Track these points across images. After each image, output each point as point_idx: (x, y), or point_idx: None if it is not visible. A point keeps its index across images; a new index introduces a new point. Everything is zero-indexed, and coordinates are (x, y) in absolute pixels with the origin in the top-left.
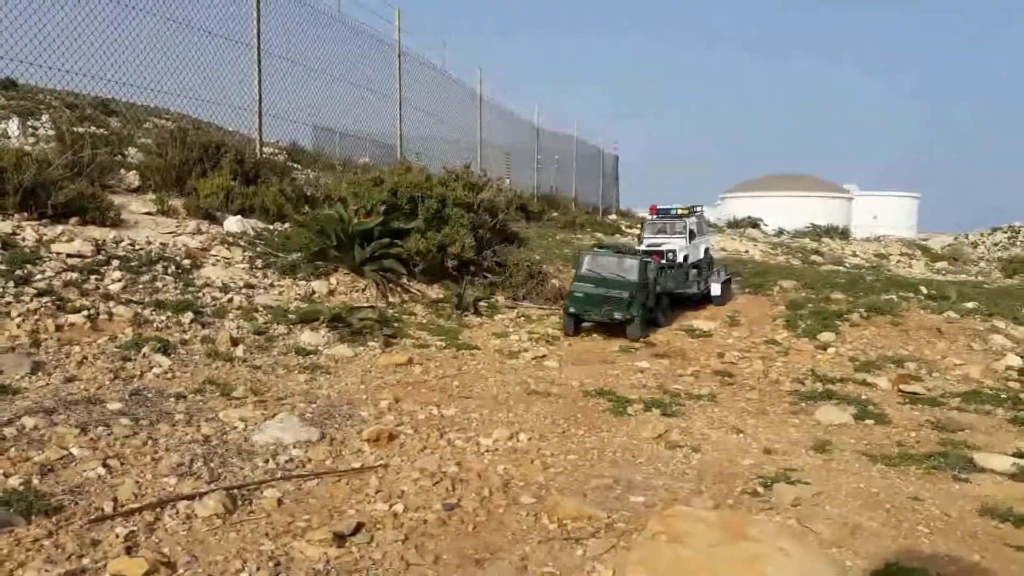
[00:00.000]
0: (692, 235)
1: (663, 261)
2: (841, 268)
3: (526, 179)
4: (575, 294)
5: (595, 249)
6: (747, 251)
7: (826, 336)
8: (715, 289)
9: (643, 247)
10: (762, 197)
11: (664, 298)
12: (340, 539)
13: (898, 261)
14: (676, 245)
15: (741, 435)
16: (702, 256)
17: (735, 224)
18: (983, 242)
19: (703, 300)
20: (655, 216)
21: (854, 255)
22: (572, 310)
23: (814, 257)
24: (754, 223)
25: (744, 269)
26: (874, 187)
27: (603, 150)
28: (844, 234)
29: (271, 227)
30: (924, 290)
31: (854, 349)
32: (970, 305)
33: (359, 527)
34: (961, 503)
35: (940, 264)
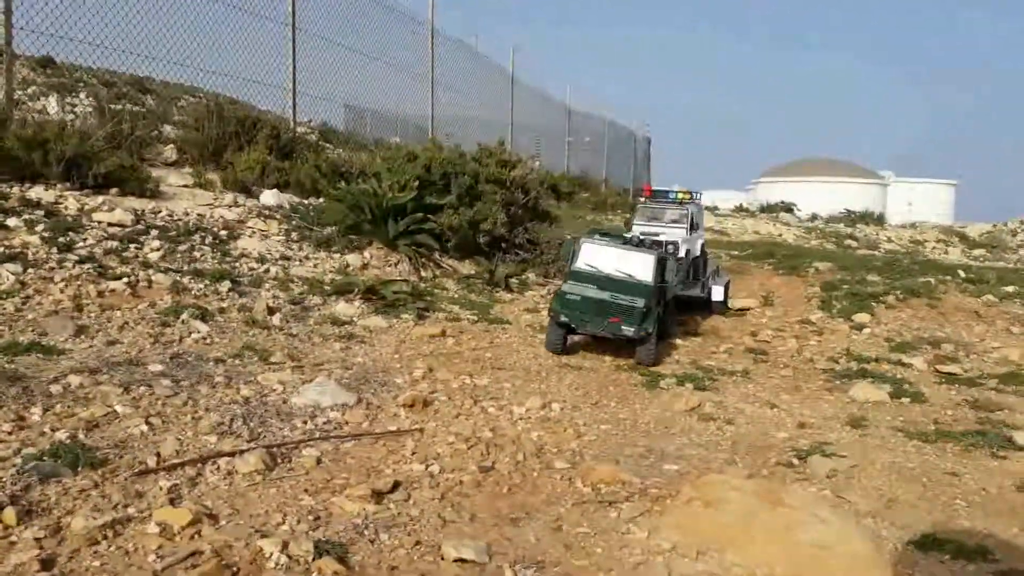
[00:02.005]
0: (692, 225)
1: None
2: (876, 253)
3: (557, 161)
4: (568, 296)
5: (596, 236)
6: (780, 235)
7: (861, 317)
8: (717, 293)
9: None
10: (795, 182)
11: (671, 303)
12: (378, 496)
13: (934, 248)
14: (677, 236)
15: (775, 409)
16: (699, 252)
17: (768, 208)
18: (1022, 230)
19: (699, 305)
20: (649, 199)
21: (889, 241)
22: (563, 319)
23: (848, 242)
24: (787, 208)
25: (778, 251)
26: (911, 174)
27: (635, 132)
28: (879, 220)
29: (306, 202)
30: (962, 274)
31: (890, 330)
32: (1010, 289)
33: (396, 485)
34: (999, 479)
35: (977, 251)
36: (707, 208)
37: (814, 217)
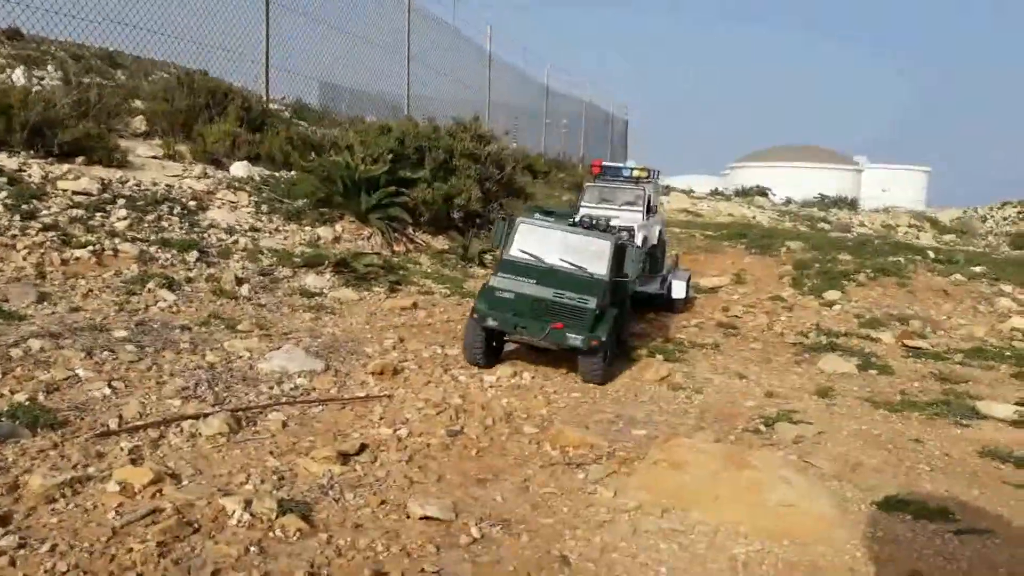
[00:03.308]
0: (649, 208)
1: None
2: (848, 236)
3: (534, 141)
4: (497, 293)
5: (537, 215)
6: (754, 217)
7: (832, 294)
8: (678, 288)
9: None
10: (770, 167)
11: (627, 303)
12: (344, 458)
13: (906, 232)
14: (632, 221)
15: (744, 380)
16: (655, 241)
17: (743, 193)
18: (992, 216)
19: (659, 305)
20: (599, 177)
21: (861, 225)
22: (490, 321)
23: (821, 225)
24: (762, 192)
25: (751, 232)
26: (884, 160)
27: (613, 115)
28: (852, 205)
29: (277, 174)
30: (932, 254)
31: (860, 307)
32: (977, 269)
33: (363, 448)
34: (962, 446)
35: (948, 237)
36: (683, 192)
37: (788, 202)
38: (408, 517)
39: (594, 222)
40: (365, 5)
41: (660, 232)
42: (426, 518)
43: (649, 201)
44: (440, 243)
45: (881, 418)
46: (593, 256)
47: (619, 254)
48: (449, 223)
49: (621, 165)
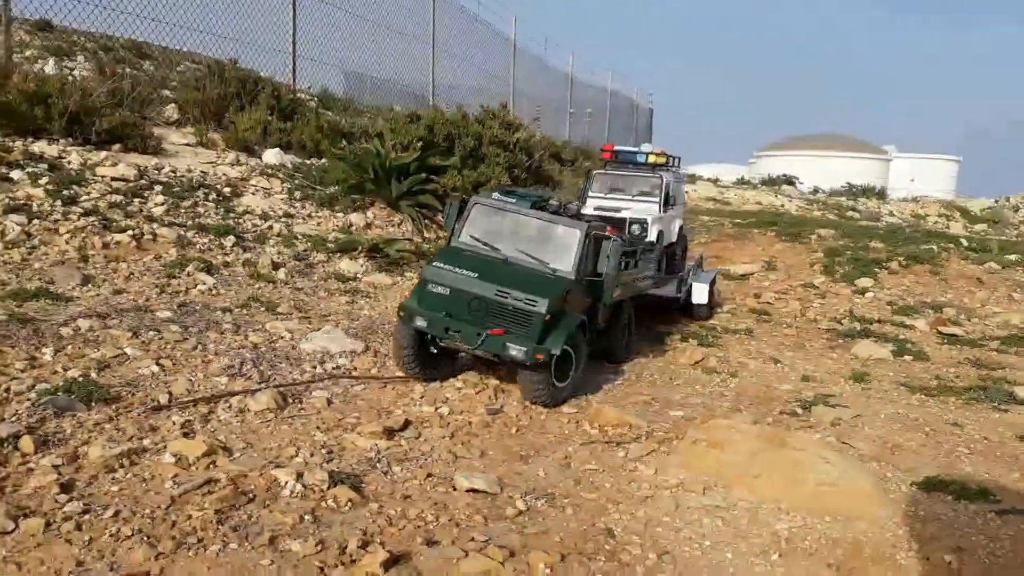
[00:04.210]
0: (667, 200)
1: (624, 238)
2: (878, 224)
3: (558, 130)
4: (431, 287)
5: (496, 195)
6: (782, 205)
7: (864, 281)
8: (700, 293)
9: (591, 211)
10: (796, 156)
11: (627, 309)
12: (390, 433)
13: (936, 221)
14: (645, 213)
15: (778, 364)
16: (675, 239)
17: (770, 182)
18: None
19: (674, 311)
20: (610, 163)
21: (890, 214)
22: (417, 322)
23: (850, 214)
24: (789, 181)
25: (781, 220)
26: (913, 149)
27: (637, 103)
28: (880, 195)
29: (308, 162)
30: (965, 242)
31: (892, 295)
32: (1012, 257)
33: (407, 424)
34: (1001, 429)
35: (979, 226)
36: (709, 180)
37: (816, 191)
38: (455, 489)
39: (564, 206)
40: None
41: (680, 229)
42: (472, 491)
43: (668, 191)
44: None
45: (918, 402)
46: (558, 248)
47: (592, 247)
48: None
49: (635, 149)
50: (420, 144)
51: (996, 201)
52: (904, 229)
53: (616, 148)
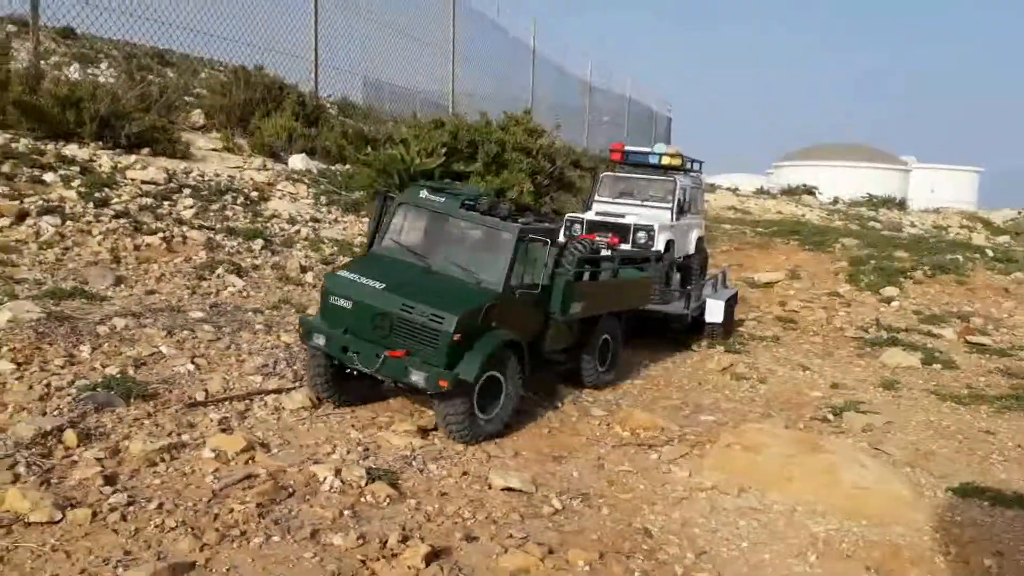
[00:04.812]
0: (682, 206)
1: (625, 247)
2: (900, 235)
3: (576, 138)
4: (332, 300)
5: (425, 192)
6: (803, 215)
7: (889, 291)
8: (714, 310)
9: (588, 217)
10: (816, 166)
11: (606, 326)
12: (424, 432)
13: (957, 233)
14: (652, 220)
15: (807, 371)
16: (692, 250)
17: (789, 191)
18: None
19: (679, 328)
20: (620, 165)
21: (912, 225)
22: (315, 339)
23: (872, 224)
24: (809, 191)
25: (803, 229)
26: (933, 159)
27: (656, 111)
28: (901, 205)
29: (333, 167)
30: (990, 252)
31: (918, 304)
32: None
33: (438, 424)
34: None
35: (1002, 238)
36: (728, 189)
37: (835, 201)
38: (490, 488)
39: (499, 205)
40: (411, 0)
41: (699, 241)
42: (507, 489)
43: (683, 197)
44: None
45: (949, 410)
46: (487, 255)
47: (522, 250)
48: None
49: (647, 150)
50: (444, 150)
51: (1020, 213)
52: (928, 239)
53: (627, 148)
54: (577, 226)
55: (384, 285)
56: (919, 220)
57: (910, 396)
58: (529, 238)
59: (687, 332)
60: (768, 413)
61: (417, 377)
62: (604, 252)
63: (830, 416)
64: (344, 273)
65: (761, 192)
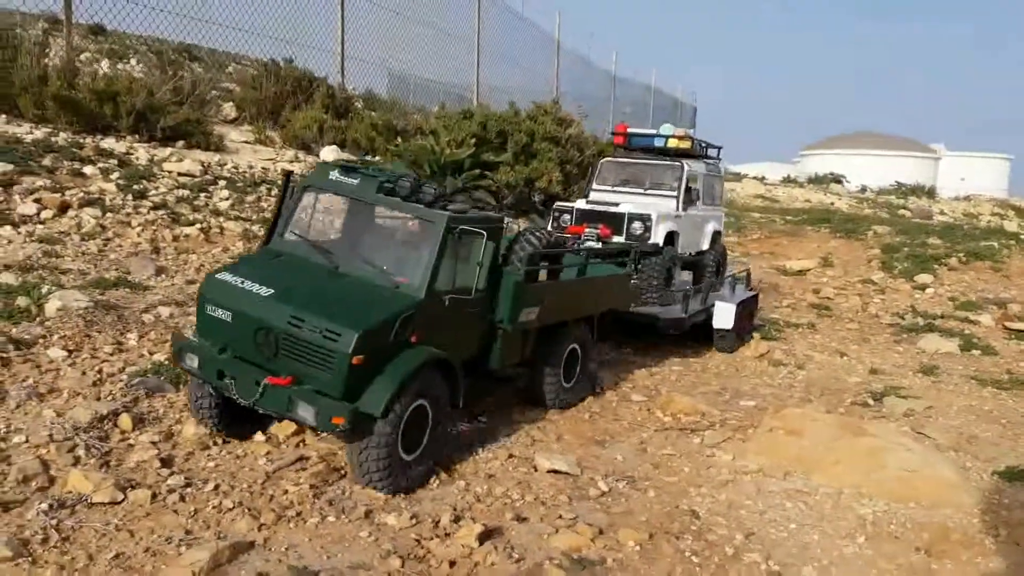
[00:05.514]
0: (691, 195)
1: (619, 239)
2: (930, 222)
3: (600, 129)
4: (208, 310)
5: (338, 172)
6: (832, 203)
7: (924, 277)
8: (723, 316)
9: (577, 206)
10: (844, 154)
11: (573, 336)
12: (470, 416)
13: (989, 220)
14: (651, 209)
15: (845, 357)
16: (706, 246)
17: (817, 180)
18: None
19: (687, 331)
20: (621, 149)
21: (942, 213)
22: (187, 361)
23: (902, 212)
24: (836, 179)
25: (833, 217)
26: (963, 147)
27: (681, 100)
28: (930, 194)
29: (363, 159)
30: None
31: (953, 290)
32: None
33: (483, 411)
34: None
35: None
36: (755, 178)
37: (863, 189)
38: (536, 470)
39: (423, 188)
40: None
41: (715, 235)
42: (553, 472)
43: (692, 184)
44: (522, 225)
45: (990, 395)
46: (407, 250)
47: (450, 241)
48: (531, 205)
49: (652, 132)
50: (473, 141)
51: None
52: (960, 227)
53: (630, 131)
54: (566, 216)
55: (272, 291)
56: (949, 208)
57: (950, 381)
58: (461, 229)
59: (694, 339)
60: (808, 398)
61: (305, 412)
62: (593, 244)
63: (870, 401)
64: (225, 275)
65: (788, 181)
